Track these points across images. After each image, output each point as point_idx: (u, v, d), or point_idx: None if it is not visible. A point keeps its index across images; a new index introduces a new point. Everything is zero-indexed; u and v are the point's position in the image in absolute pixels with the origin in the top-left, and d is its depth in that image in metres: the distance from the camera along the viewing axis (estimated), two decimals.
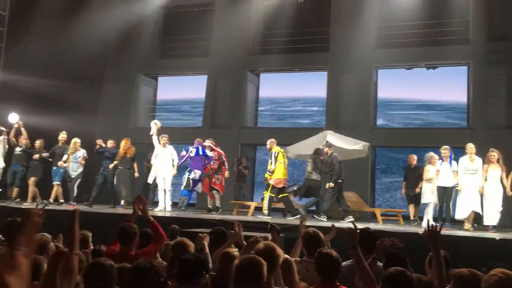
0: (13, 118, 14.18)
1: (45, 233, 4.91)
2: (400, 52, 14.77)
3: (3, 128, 12.12)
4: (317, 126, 15.14)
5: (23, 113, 14.33)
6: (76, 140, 11.86)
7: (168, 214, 10.35)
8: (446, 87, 14.74)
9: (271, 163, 10.57)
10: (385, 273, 3.36)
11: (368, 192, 14.22)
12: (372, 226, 8.37)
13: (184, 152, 11.48)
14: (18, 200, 11.70)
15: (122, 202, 11.91)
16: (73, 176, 11.82)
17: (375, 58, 14.89)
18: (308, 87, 16.33)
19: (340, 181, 10.55)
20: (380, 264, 4.32)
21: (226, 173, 11.42)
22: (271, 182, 10.48)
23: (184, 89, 17.77)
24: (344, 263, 4.03)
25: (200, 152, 11.21)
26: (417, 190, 10.67)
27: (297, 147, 12.57)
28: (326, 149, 10.97)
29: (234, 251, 4.12)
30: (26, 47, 14.38)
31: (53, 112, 13.52)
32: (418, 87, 14.90)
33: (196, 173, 11.16)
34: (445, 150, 9.91)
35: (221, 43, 16.21)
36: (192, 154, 11.28)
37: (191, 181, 11.42)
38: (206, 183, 11.36)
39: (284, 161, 10.61)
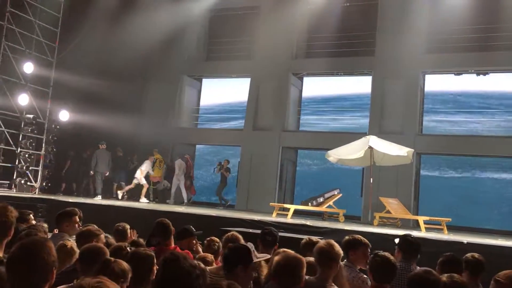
0: (64, 116, 14.70)
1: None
2: (449, 57, 14.33)
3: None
4: (360, 131, 14.89)
5: (73, 111, 14.89)
6: None
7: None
8: (496, 94, 14.22)
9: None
10: (411, 273, 3.34)
11: (412, 200, 13.87)
12: (415, 233, 8.15)
13: None
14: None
15: None
16: None
17: (422, 63, 14.53)
18: (352, 91, 16.12)
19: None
20: None
21: None
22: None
23: (228, 91, 17.90)
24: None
25: None
26: None
27: (338, 151, 12.39)
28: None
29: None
30: (77, 47, 14.89)
31: (100, 111, 13.93)
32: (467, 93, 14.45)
33: None
34: None
35: (265, 46, 16.22)
36: None
37: None
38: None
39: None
